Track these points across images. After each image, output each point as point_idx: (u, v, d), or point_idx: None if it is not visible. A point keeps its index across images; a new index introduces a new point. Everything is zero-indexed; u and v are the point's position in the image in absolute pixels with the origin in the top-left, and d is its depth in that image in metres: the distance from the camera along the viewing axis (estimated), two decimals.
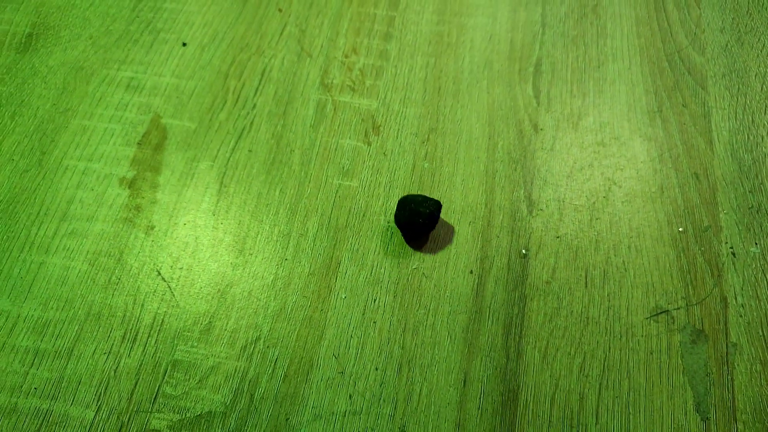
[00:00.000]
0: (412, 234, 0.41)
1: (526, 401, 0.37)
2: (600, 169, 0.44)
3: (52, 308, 0.39)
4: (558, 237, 0.42)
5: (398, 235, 0.42)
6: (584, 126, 0.46)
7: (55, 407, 0.36)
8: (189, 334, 0.38)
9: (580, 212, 0.43)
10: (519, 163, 0.44)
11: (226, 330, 0.39)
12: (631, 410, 0.37)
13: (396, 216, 0.40)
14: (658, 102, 0.47)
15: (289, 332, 0.38)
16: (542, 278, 0.40)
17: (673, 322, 0.39)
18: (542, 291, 0.40)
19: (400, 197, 0.42)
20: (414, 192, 0.43)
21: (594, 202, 0.43)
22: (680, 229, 0.42)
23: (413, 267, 0.41)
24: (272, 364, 0.38)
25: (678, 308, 0.39)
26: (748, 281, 0.40)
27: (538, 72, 0.48)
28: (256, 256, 0.41)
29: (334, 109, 0.46)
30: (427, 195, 0.43)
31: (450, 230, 0.42)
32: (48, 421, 0.36)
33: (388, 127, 0.46)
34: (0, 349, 0.38)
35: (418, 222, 0.39)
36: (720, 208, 0.42)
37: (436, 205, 0.40)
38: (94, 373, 0.37)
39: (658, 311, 0.39)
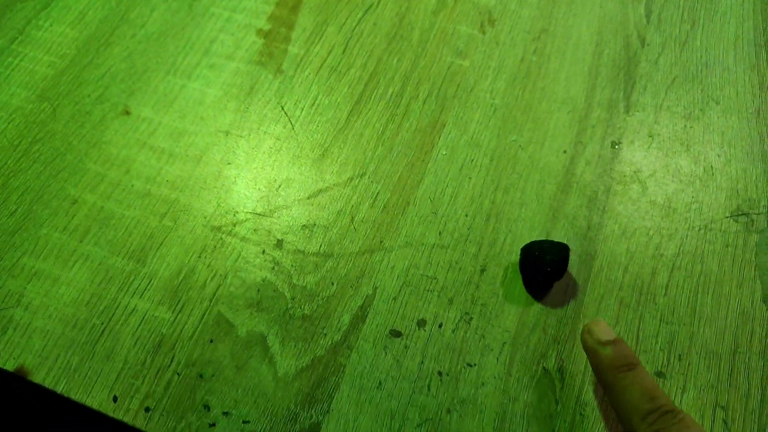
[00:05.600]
0: (537, 281, 0.38)
1: (601, 265, 0.40)
2: (701, 86, 0.46)
3: (188, 122, 0.44)
4: (651, 136, 0.44)
5: (500, 112, 0.45)
6: (690, 47, 0.48)
7: (181, 198, 0.41)
8: (303, 160, 0.43)
9: (676, 119, 0.45)
10: (622, 69, 0.47)
11: (336, 162, 0.43)
12: (699, 290, 0.39)
13: (520, 262, 0.39)
14: (765, 37, 0.49)
15: (391, 174, 0.42)
16: (631, 167, 0.43)
17: (752, 225, 0.41)
18: (629, 177, 0.43)
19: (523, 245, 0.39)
20: None
21: (690, 113, 0.45)
22: None
23: (512, 139, 0.44)
24: (374, 197, 0.42)
25: (759, 213, 0.41)
26: None
27: None
28: (371, 109, 0.45)
29: (454, 1, 0.50)
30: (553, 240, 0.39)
31: (549, 116, 0.45)
32: (175, 208, 0.41)
33: (503, 22, 0.49)
34: (142, 146, 0.43)
35: (545, 270, 0.37)
36: None
37: (563, 253, 0.37)
38: (217, 178, 0.42)
39: (739, 213, 0.41)
